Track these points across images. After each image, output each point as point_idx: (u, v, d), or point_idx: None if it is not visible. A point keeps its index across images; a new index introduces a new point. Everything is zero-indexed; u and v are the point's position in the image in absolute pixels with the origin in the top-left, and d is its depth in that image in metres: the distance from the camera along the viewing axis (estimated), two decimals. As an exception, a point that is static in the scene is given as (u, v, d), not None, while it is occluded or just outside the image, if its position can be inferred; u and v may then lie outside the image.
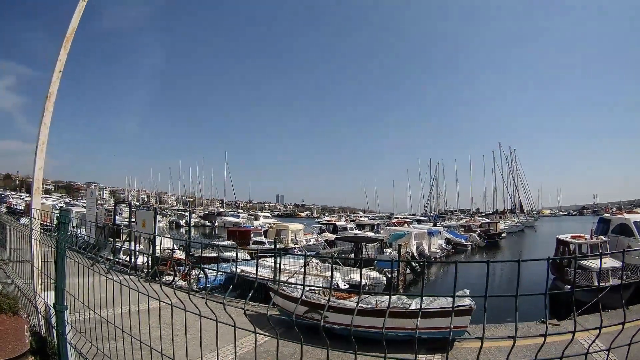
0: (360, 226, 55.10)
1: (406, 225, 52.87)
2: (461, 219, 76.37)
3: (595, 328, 2.00)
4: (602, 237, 22.84)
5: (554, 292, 16.32)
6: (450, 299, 10.84)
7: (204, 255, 22.60)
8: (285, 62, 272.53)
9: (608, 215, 28.30)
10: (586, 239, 22.33)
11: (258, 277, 16.99)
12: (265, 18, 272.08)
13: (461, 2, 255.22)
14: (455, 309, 10.20)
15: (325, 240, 38.50)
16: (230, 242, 33.75)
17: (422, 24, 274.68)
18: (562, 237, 24.07)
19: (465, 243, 47.06)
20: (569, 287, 17.63)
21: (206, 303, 2.40)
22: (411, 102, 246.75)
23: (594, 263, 17.90)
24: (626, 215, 24.65)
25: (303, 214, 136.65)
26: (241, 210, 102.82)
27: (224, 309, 2.37)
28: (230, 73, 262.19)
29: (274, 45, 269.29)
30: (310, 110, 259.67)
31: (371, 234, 41.88)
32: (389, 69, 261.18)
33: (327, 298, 12.45)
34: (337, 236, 39.70)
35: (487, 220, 66.13)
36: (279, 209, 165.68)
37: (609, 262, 18.16)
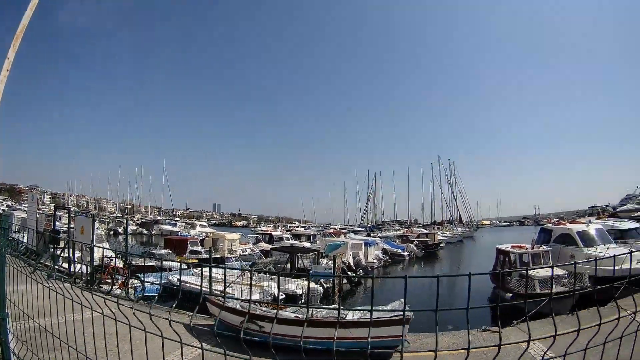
0: (297, 236, 56.05)
1: (343, 235, 53.99)
2: (398, 230, 78.52)
3: (550, 336, 2.14)
4: (543, 246, 23.64)
5: (505, 303, 17.58)
6: (386, 308, 11.78)
7: (142, 264, 22.86)
8: (224, 72, 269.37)
9: (550, 225, 29.24)
10: (527, 248, 22.90)
11: (191, 285, 17.77)
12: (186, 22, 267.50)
13: (395, 18, 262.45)
14: (392, 319, 11.05)
15: (261, 250, 38.85)
16: (168, 251, 34.00)
17: (360, 38, 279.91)
18: (502, 247, 24.62)
19: (402, 253, 48.28)
20: (511, 295, 19.17)
21: (134, 313, 2.56)
22: (351, 114, 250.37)
23: (536, 272, 18.37)
24: (569, 226, 25.69)
25: (239, 224, 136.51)
26: (178, 219, 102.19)
27: (150, 319, 2.46)
28: (170, 81, 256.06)
29: (205, 51, 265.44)
30: (249, 120, 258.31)
31: (307, 245, 42.44)
32: (329, 81, 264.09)
33: (263, 309, 12.97)
34: (273, 246, 39.96)
35: (425, 231, 67.84)
36: (216, 218, 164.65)
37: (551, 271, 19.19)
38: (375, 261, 40.00)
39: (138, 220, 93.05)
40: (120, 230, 70.42)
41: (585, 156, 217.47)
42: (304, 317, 11.85)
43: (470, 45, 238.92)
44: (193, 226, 76.83)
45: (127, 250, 23.42)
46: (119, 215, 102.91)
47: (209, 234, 46.97)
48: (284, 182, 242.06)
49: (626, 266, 16.21)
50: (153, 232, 78.57)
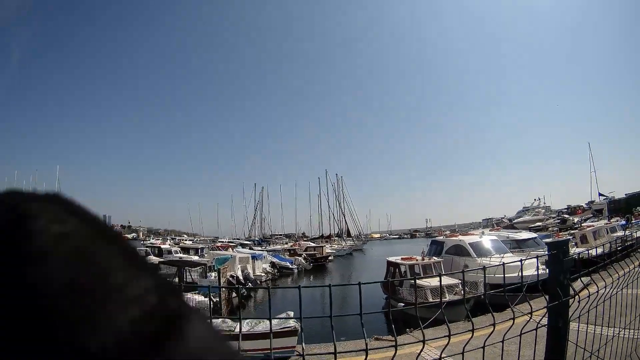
0: (185, 250, 55.71)
1: (230, 249, 53.92)
2: (286, 243, 78.34)
3: (445, 336, 2.26)
4: (434, 257, 24.59)
5: (397, 309, 18.17)
6: (274, 321, 12.10)
7: None
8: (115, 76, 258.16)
9: (441, 237, 30.86)
10: (418, 260, 23.47)
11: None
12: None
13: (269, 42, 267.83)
14: (281, 330, 11.58)
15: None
16: None
17: (245, 56, 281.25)
18: (392, 259, 25.21)
19: (291, 266, 49.42)
20: (403, 304, 19.46)
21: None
22: (239, 129, 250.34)
23: (426, 282, 19.23)
24: (461, 237, 26.82)
25: (129, 236, 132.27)
26: None
27: None
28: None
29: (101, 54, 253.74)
30: (139, 130, 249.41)
31: (196, 258, 42.72)
32: (224, 94, 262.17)
33: None
34: (162, 259, 38.98)
35: (313, 245, 68.90)
36: None
37: (443, 280, 19.27)
38: (263, 274, 40.79)
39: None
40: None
41: (479, 172, 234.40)
42: None
43: (362, 62, 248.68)
44: None
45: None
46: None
47: None
48: (172, 194, 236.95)
49: (524, 273, 18.63)
50: None
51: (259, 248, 68.38)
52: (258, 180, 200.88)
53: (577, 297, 3.50)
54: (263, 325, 12.09)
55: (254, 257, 41.91)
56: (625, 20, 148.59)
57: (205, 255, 46.56)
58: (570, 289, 3.47)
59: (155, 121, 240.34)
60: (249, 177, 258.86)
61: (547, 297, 3.26)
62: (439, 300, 15.82)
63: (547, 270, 3.59)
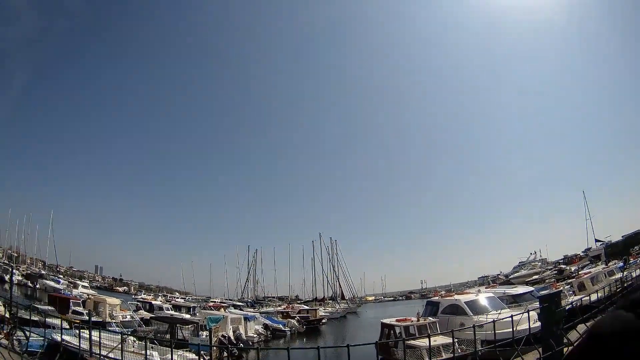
0: (177, 307, 56.06)
1: (222, 309, 54.00)
2: (279, 306, 78.81)
3: None
4: (430, 318, 24.94)
5: None
6: None
7: (25, 317, 22.41)
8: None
9: (436, 298, 30.20)
10: (412, 321, 23.92)
11: (73, 346, 17.97)
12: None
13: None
14: None
15: (141, 318, 38.65)
16: (51, 308, 33.51)
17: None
18: (386, 321, 25.64)
19: (283, 329, 49.62)
20: None
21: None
22: (233, 190, 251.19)
23: (421, 342, 19.45)
24: (456, 297, 26.93)
25: (120, 289, 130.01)
26: (61, 276, 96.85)
27: None
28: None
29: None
30: (136, 182, 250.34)
31: (187, 316, 43.09)
32: (223, 154, 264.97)
33: None
34: (153, 315, 40.49)
35: (306, 307, 69.34)
36: (98, 280, 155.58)
37: (439, 340, 19.86)
38: (255, 336, 41.26)
39: (24, 271, 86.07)
40: (7, 278, 66.13)
41: (473, 231, 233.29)
42: None
43: (357, 126, 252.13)
44: (75, 286, 72.97)
45: (11, 300, 23.54)
46: (5, 261, 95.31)
47: (90, 296, 45.98)
48: (165, 251, 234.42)
49: (521, 327, 17.44)
50: (37, 286, 74.46)
51: (252, 310, 68.14)
52: (252, 241, 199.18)
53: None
54: None
55: (247, 318, 42.05)
56: (618, 67, 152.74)
57: (197, 314, 46.56)
58: (566, 338, 4.00)
59: (152, 176, 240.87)
60: (242, 238, 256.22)
61: (540, 349, 3.84)
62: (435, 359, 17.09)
63: (540, 322, 4.28)
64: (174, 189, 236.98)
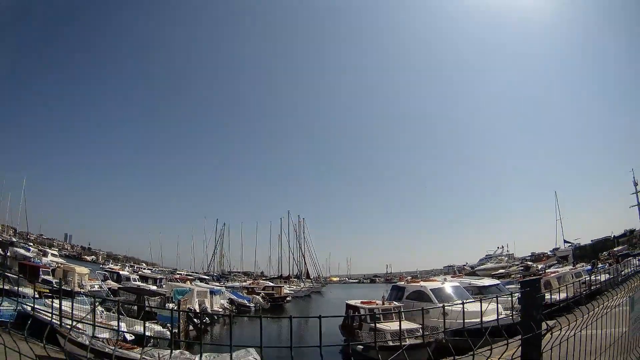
0: (144, 278, 55.78)
1: (189, 282, 52.81)
2: (245, 281, 78.90)
3: None
4: (394, 302, 24.99)
5: (353, 343, 18.89)
6: (234, 354, 11.68)
7: None
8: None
9: (402, 283, 30.30)
10: (377, 304, 24.14)
11: (43, 316, 16.77)
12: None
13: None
14: None
15: (109, 289, 38.54)
16: (21, 276, 32.49)
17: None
18: (351, 302, 25.86)
19: (248, 304, 49.91)
20: (361, 347, 19.52)
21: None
22: (203, 163, 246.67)
23: (386, 325, 19.83)
24: (422, 283, 26.94)
25: (89, 258, 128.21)
26: (31, 244, 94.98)
27: (5, 348, 2.66)
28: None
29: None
30: (103, 152, 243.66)
31: (154, 288, 42.91)
32: (192, 125, 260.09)
33: (112, 347, 13.16)
34: (121, 286, 40.10)
35: (271, 284, 70.17)
36: (67, 248, 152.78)
37: (404, 325, 19.94)
38: (221, 310, 41.21)
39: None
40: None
41: (441, 220, 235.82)
42: (152, 359, 12.56)
43: (333, 111, 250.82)
44: (45, 254, 71.81)
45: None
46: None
47: (60, 265, 45.62)
48: (134, 222, 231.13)
49: (487, 318, 17.75)
50: (7, 254, 72.81)
51: (217, 284, 67.91)
52: (220, 216, 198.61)
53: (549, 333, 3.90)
54: (221, 358, 12.23)
55: (213, 292, 42.14)
56: (595, 78, 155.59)
57: (164, 286, 46.51)
58: (545, 324, 3.98)
59: (125, 146, 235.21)
60: (211, 212, 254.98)
61: (508, 340, 3.74)
62: (399, 343, 16.17)
63: (520, 306, 4.36)
64: (145, 159, 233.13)
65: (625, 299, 5.78)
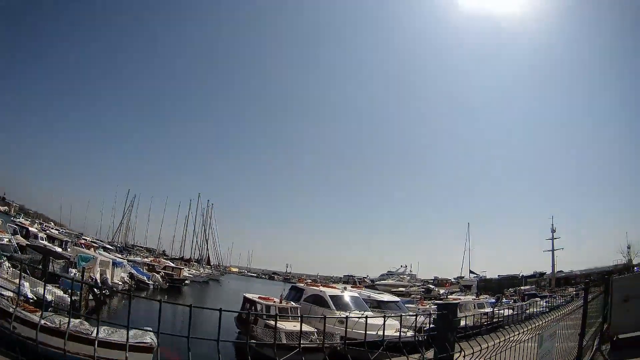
0: (51, 238, 53.43)
1: (93, 249, 51.11)
2: (146, 257, 77.86)
3: None
4: (292, 303, 24.90)
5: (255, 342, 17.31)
6: (131, 333, 11.39)
7: None
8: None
9: (302, 285, 30.20)
10: (275, 302, 24.02)
11: None
12: None
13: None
14: (137, 344, 11.35)
15: (17, 244, 35.79)
16: None
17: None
18: (249, 295, 25.79)
19: (147, 281, 49.72)
20: (254, 342, 19.57)
21: None
22: (121, 128, 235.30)
23: (282, 324, 19.29)
24: (322, 288, 26.83)
25: (2, 209, 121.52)
26: None
27: None
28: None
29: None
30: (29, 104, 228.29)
31: (59, 250, 41.36)
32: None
33: (14, 306, 12.56)
34: (29, 243, 38.94)
35: (172, 265, 69.09)
36: None
37: (299, 326, 18.87)
38: (120, 283, 40.66)
39: None
40: None
41: (348, 230, 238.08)
42: (52, 325, 12.07)
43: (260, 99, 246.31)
44: None
45: None
46: None
47: None
48: (48, 176, 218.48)
49: (386, 333, 16.47)
50: None
51: (120, 255, 66.16)
52: (133, 186, 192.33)
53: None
54: (119, 335, 11.99)
55: (115, 264, 41.72)
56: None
57: (69, 249, 45.65)
58: (459, 346, 4.45)
59: (53, 99, 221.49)
60: (124, 181, 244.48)
61: (407, 356, 4.38)
62: (296, 343, 16.19)
63: (436, 327, 4.68)
64: (68, 116, 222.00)
65: (533, 335, 6.11)
